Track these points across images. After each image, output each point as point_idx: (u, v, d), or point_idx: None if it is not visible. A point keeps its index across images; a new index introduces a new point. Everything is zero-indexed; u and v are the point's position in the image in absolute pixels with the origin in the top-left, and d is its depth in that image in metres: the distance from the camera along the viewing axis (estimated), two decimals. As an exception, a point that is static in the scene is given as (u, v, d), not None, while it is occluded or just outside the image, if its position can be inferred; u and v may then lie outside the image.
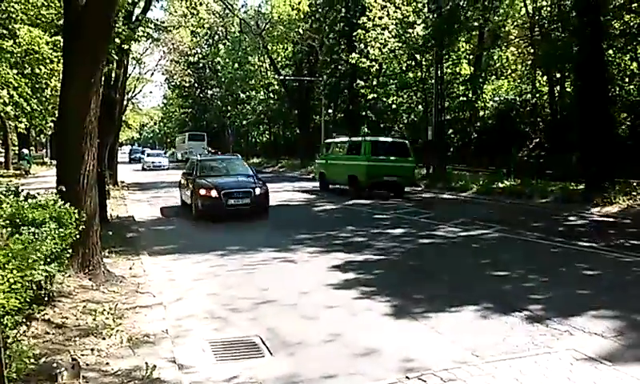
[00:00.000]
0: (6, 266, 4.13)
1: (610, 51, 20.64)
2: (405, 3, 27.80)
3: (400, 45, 28.50)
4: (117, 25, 10.68)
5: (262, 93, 52.52)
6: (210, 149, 58.11)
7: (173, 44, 37.70)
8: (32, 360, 4.17)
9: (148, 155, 51.23)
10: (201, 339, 5.52)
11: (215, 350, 5.23)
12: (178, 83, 53.75)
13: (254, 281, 7.97)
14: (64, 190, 6.80)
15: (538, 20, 27.84)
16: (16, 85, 14.94)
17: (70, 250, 5.86)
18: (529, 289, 7.25)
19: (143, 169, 45.25)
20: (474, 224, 13.21)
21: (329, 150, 23.73)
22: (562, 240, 10.89)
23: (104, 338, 5.14)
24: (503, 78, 32.81)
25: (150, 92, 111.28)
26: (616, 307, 6.29)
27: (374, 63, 32.04)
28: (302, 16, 37.31)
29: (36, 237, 5.05)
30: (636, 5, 19.74)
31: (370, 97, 34.50)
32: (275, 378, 4.61)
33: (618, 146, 19.37)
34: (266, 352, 5.20)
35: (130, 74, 29.73)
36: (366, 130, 38.09)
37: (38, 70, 15.94)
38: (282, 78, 44.35)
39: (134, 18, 15.00)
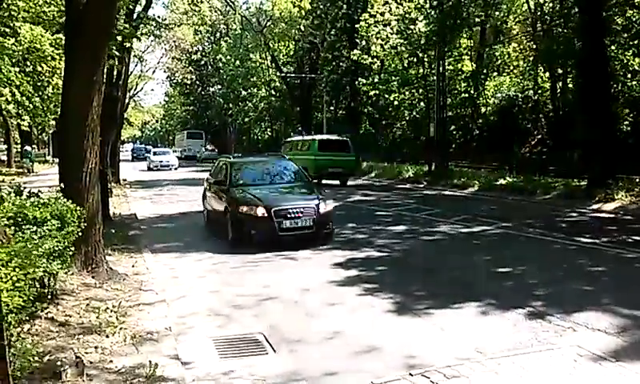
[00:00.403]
0: (9, 263, 4.13)
1: (613, 47, 20.58)
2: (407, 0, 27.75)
3: (402, 41, 28.46)
4: (118, 22, 10.69)
5: (263, 90, 52.48)
6: (207, 146, 58.31)
7: (174, 41, 37.72)
8: (36, 358, 4.18)
9: (154, 154, 46.39)
10: (204, 336, 5.53)
11: (218, 347, 5.23)
12: (180, 81, 53.86)
13: (256, 278, 7.98)
14: (66, 187, 6.81)
15: (540, 16, 27.79)
16: (18, 83, 14.98)
17: (72, 248, 5.87)
18: (531, 285, 7.24)
19: (149, 168, 41.89)
20: (476, 221, 13.19)
21: (290, 148, 26.61)
22: (564, 236, 10.87)
23: (107, 336, 5.15)
24: (505, 74, 32.76)
25: (152, 90, 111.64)
26: (619, 303, 6.28)
27: (375, 60, 32.01)
28: (304, 13, 37.29)
29: (39, 235, 5.06)
30: (638, 0, 19.68)
31: (371, 94, 34.50)
32: (278, 375, 4.61)
33: (620, 142, 19.34)
34: (269, 349, 5.21)
35: (131, 72, 29.82)
36: (367, 126, 38.14)
37: (39, 68, 15.97)
38: (283, 75, 44.33)
39: (135, 16, 15.00)
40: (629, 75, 22.27)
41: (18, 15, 14.00)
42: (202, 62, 59.76)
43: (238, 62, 50.42)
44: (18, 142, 42.83)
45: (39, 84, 17.35)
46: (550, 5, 27.21)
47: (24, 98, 16.84)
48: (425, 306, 6.36)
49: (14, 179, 22.46)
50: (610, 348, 4.98)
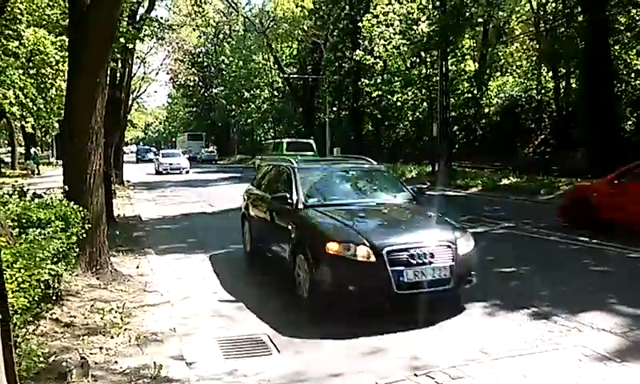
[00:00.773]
0: (14, 265, 4.15)
1: (616, 47, 20.55)
2: (409, 0, 27.74)
3: (404, 41, 28.45)
4: (121, 24, 10.71)
5: (266, 91, 52.55)
6: (209, 148, 58.45)
7: (177, 43, 37.78)
8: (41, 359, 4.19)
9: (163, 155, 42.32)
10: (208, 337, 5.53)
11: (223, 348, 5.24)
12: (183, 82, 53.87)
13: (260, 279, 7.97)
14: (70, 189, 6.83)
15: (543, 16, 27.75)
16: (22, 85, 15.02)
17: (77, 249, 5.89)
18: (536, 285, 7.21)
19: (158, 172, 38.43)
20: (480, 221, 13.16)
21: (266, 148, 33.35)
22: (568, 236, 10.83)
23: (112, 337, 5.16)
24: (508, 74, 32.73)
25: (155, 91, 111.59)
26: (624, 303, 6.26)
27: (378, 60, 32.00)
28: (306, 13, 37.28)
29: (43, 236, 5.07)
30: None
31: (374, 94, 34.49)
32: (282, 376, 4.61)
33: (623, 141, 19.30)
34: (274, 350, 5.21)
35: (134, 74, 29.86)
36: (370, 127, 38.13)
37: (43, 70, 16.02)
38: (286, 76, 44.37)
39: (138, 18, 15.03)
40: (632, 75, 22.23)
41: (22, 18, 14.05)
42: (205, 64, 59.90)
43: (240, 63, 50.51)
44: (22, 144, 42.96)
45: (43, 86, 17.41)
46: (553, 4, 27.17)
47: (28, 100, 16.89)
48: (429, 307, 6.35)
49: (17, 181, 22.53)
50: (616, 348, 4.97)
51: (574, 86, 25.75)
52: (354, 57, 33.02)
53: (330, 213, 6.80)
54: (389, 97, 33.85)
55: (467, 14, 25.52)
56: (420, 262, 5.83)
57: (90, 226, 6.37)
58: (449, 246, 6.05)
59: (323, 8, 38.85)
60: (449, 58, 26.54)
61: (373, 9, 29.64)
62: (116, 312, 5.81)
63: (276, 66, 46.81)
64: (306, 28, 38.41)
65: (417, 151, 32.04)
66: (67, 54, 8.85)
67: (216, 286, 7.62)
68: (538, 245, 10.41)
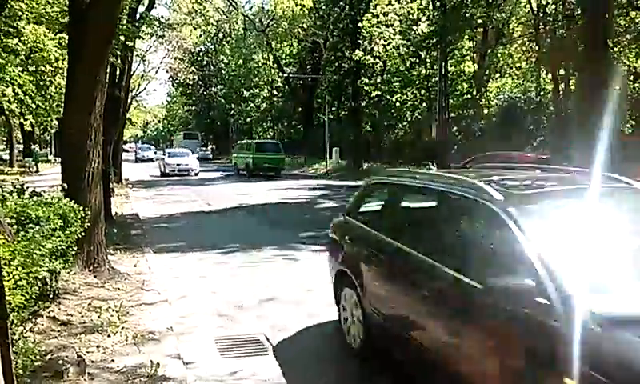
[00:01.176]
0: (12, 262, 4.15)
1: (616, 49, 20.56)
2: (409, 0, 27.76)
3: (404, 42, 28.48)
4: (121, 22, 10.71)
5: (265, 90, 52.55)
6: (208, 147, 58.52)
7: (177, 41, 37.74)
8: (38, 356, 4.19)
9: (170, 155, 36.29)
10: (206, 336, 5.53)
11: (220, 347, 5.24)
12: (182, 81, 53.84)
13: (258, 278, 7.97)
14: (69, 187, 6.82)
15: (543, 17, 27.76)
16: (21, 82, 15.00)
17: (75, 248, 5.89)
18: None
19: (164, 174, 33.73)
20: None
21: (239, 148, 36.23)
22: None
23: (109, 335, 5.16)
24: (507, 75, 32.76)
25: (154, 90, 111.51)
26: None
27: (377, 60, 32.00)
28: (306, 12, 37.27)
29: (41, 234, 5.07)
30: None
31: (373, 94, 34.50)
32: (280, 375, 4.61)
33: (621, 144, 19.28)
34: (271, 349, 5.21)
35: (134, 72, 29.84)
36: (369, 127, 38.14)
37: (42, 68, 15.99)
38: (285, 75, 44.38)
39: (137, 16, 15.02)
40: (631, 77, 22.26)
41: (22, 15, 14.03)
42: (205, 63, 59.85)
43: (240, 62, 50.49)
44: (21, 141, 42.91)
45: (42, 83, 17.39)
46: (553, 6, 27.19)
47: (27, 98, 16.88)
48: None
49: (17, 179, 22.49)
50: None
51: (572, 87, 25.76)
52: (354, 57, 33.04)
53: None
54: (388, 97, 33.89)
55: (467, 14, 25.55)
56: None
57: (88, 224, 6.36)
58: None
59: (323, 7, 38.85)
60: (448, 58, 26.56)
61: (373, 9, 29.65)
62: (113, 310, 5.81)
63: (275, 65, 46.82)
64: (305, 27, 38.47)
65: (416, 152, 32.02)
66: (66, 51, 8.84)
67: (214, 285, 7.62)
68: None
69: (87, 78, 7.15)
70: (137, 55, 25.53)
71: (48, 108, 19.34)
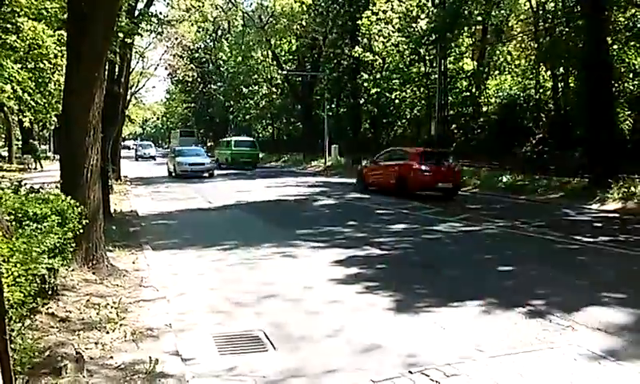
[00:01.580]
0: (10, 259, 4.15)
1: (615, 46, 20.56)
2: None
3: (403, 39, 28.45)
4: (120, 18, 10.68)
5: (264, 87, 52.48)
6: (207, 145, 58.55)
7: (176, 38, 37.69)
8: (36, 353, 4.19)
9: (182, 154, 31.17)
10: (204, 333, 5.53)
11: (219, 344, 5.24)
12: (181, 78, 53.73)
13: (256, 275, 7.98)
14: (67, 184, 6.82)
15: (542, 15, 27.74)
16: (20, 79, 14.96)
17: (73, 244, 5.88)
18: (532, 284, 7.24)
19: (172, 175, 29.84)
20: (477, 219, 13.20)
21: (220, 145, 41.99)
22: (564, 235, 10.87)
23: (108, 332, 5.15)
24: (506, 73, 32.72)
25: (153, 87, 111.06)
26: (619, 303, 6.28)
27: (377, 57, 31.96)
28: (305, 9, 37.22)
29: (40, 231, 5.06)
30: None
31: (373, 91, 34.47)
32: (278, 372, 4.61)
33: (621, 141, 19.32)
34: (270, 346, 5.21)
35: (133, 69, 29.78)
36: (368, 124, 38.12)
37: (41, 65, 15.94)
38: (284, 72, 44.33)
39: (136, 12, 14.97)
40: (630, 74, 22.26)
41: (21, 11, 13.99)
42: (204, 60, 59.76)
43: (239, 59, 50.39)
44: (20, 138, 42.82)
45: (41, 80, 17.34)
46: (552, 4, 27.16)
47: (26, 95, 16.84)
48: (425, 304, 6.36)
49: (15, 175, 22.49)
50: (610, 347, 4.99)
51: (572, 85, 25.75)
52: (353, 54, 32.99)
53: None
54: (387, 94, 33.84)
55: (466, 12, 25.51)
56: None
57: (86, 221, 6.36)
58: None
59: (322, 4, 38.77)
60: (447, 56, 26.54)
61: (372, 5, 29.60)
62: (112, 307, 5.81)
63: (274, 62, 46.74)
64: (304, 24, 38.41)
65: (415, 149, 32.03)
66: (65, 48, 8.82)
67: (212, 281, 7.62)
68: (535, 244, 10.44)
69: (86, 74, 7.13)
70: (136, 52, 25.45)
71: (47, 105, 19.30)
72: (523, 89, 29.89)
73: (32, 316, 5.01)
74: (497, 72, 32.44)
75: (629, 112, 22.18)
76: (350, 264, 8.57)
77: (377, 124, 38.53)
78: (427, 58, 28.31)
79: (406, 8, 27.67)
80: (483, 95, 30.64)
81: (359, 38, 33.59)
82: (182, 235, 11.42)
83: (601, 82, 17.55)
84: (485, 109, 31.28)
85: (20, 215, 5.28)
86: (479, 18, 27.35)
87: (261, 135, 63.11)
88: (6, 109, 25.64)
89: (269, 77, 50.04)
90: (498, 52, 31.67)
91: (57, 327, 5.13)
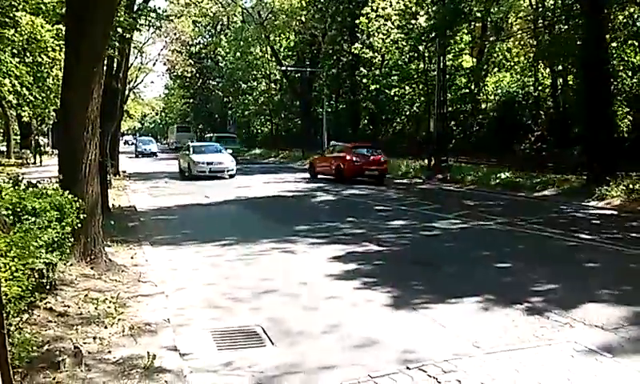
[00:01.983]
0: (8, 253, 4.14)
1: (614, 44, 20.54)
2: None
3: (402, 36, 28.40)
4: (118, 13, 10.65)
5: (263, 83, 52.37)
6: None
7: (175, 34, 37.61)
8: (34, 348, 4.19)
9: (196, 151, 27.02)
10: (202, 328, 5.54)
11: (216, 339, 5.25)
12: (180, 74, 53.56)
13: (254, 271, 7.99)
14: (66, 179, 6.81)
15: (542, 12, 27.70)
16: (18, 74, 14.90)
17: (71, 239, 5.88)
18: (530, 281, 7.25)
19: (186, 174, 25.88)
20: (475, 216, 13.21)
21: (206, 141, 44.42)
22: (562, 232, 10.89)
23: (106, 327, 5.16)
24: (505, 70, 32.69)
25: (152, 82, 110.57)
26: (617, 299, 6.30)
27: (376, 54, 31.89)
28: (304, 4, 37.13)
29: (38, 226, 5.06)
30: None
31: (372, 88, 34.40)
32: (276, 367, 4.62)
33: (619, 139, 19.34)
34: (267, 341, 5.22)
35: (131, 64, 29.70)
36: (367, 121, 38.09)
37: (39, 59, 15.87)
38: (283, 68, 44.24)
39: (135, 7, 14.93)
40: (629, 72, 22.26)
41: (19, 5, 13.92)
42: (202, 55, 59.56)
43: (238, 55, 50.24)
44: (18, 133, 42.70)
45: (39, 75, 17.27)
46: (552, 1, 27.11)
47: (24, 89, 16.79)
48: (423, 301, 6.37)
49: (13, 170, 22.45)
50: (607, 344, 5.00)
51: (571, 83, 25.75)
52: (352, 50, 32.91)
53: None
54: (386, 91, 33.77)
55: (465, 9, 25.45)
56: None
57: (84, 215, 6.35)
58: None
59: (321, 0, 38.70)
60: (447, 52, 26.49)
61: (371, 2, 29.54)
62: (110, 302, 5.81)
63: (273, 58, 46.63)
64: (304, 20, 38.32)
65: (413, 146, 32.00)
66: (64, 43, 8.79)
67: (210, 277, 7.63)
68: (533, 241, 10.45)
69: (85, 72, 7.12)
70: (134, 47, 25.41)
71: (45, 99, 19.24)
72: (522, 86, 29.86)
73: (30, 311, 5.01)
74: (496, 69, 32.39)
75: (627, 110, 22.17)
76: (348, 260, 8.58)
77: (376, 121, 38.48)
78: (426, 54, 28.22)
79: (405, 5, 27.58)
80: (482, 92, 30.62)
81: (358, 35, 33.49)
82: (181, 230, 11.43)
83: (599, 79, 17.55)
84: (484, 106, 31.27)
85: (18, 210, 5.28)
86: (478, 15, 27.22)
87: (259, 131, 63.03)
88: (4, 103, 25.55)
89: (267, 73, 49.93)
90: (497, 49, 31.60)
91: (55, 322, 5.14)
